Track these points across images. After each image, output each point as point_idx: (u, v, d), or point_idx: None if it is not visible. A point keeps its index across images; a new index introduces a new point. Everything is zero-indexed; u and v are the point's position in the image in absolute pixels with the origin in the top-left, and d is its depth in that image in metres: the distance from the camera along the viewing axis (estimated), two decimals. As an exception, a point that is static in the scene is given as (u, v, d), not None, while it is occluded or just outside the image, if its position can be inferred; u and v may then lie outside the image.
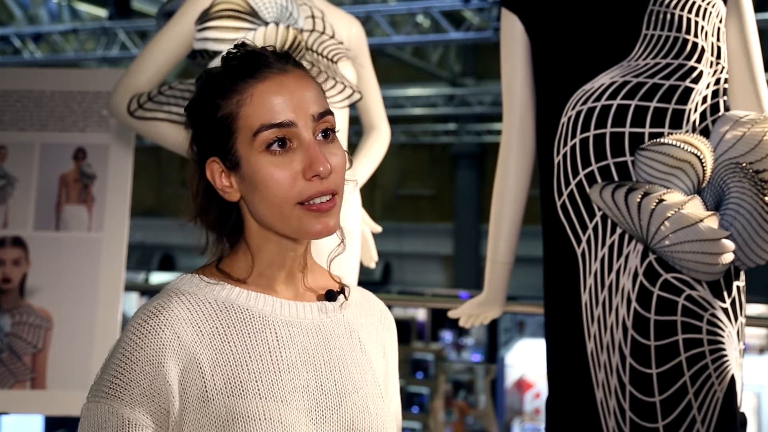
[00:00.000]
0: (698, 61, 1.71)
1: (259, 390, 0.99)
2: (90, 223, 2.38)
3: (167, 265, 13.06)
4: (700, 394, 1.66)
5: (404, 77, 10.68)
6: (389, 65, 9.81)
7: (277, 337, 1.03)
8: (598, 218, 1.71)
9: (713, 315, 1.67)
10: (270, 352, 1.01)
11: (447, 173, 13.01)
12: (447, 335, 8.12)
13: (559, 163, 1.76)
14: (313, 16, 1.94)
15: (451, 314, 2.10)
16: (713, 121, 1.73)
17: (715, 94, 1.75)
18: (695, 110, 1.71)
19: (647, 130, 1.69)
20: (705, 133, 1.72)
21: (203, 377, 0.98)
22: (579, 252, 1.73)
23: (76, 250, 2.36)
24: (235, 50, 1.04)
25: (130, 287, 3.24)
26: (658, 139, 1.67)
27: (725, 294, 1.70)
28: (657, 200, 1.63)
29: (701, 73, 1.71)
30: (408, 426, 6.45)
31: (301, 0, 1.95)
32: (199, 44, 1.84)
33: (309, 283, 1.10)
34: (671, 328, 1.66)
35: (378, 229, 2.29)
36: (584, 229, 1.72)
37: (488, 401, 6.84)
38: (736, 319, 1.72)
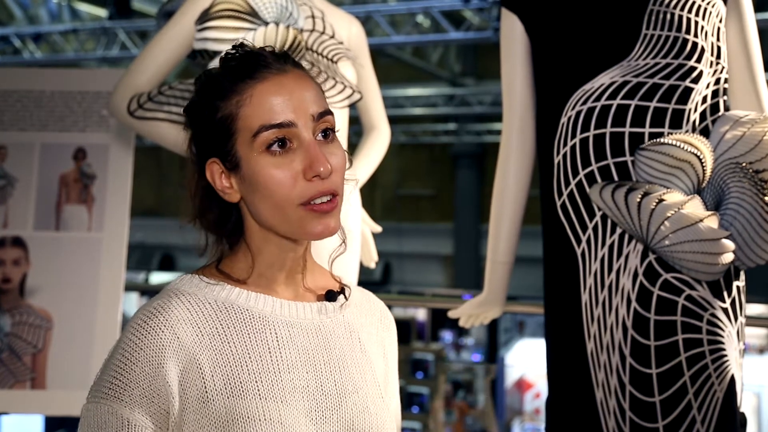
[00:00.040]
0: (698, 61, 1.71)
1: (259, 390, 0.99)
2: (90, 223, 2.38)
3: (167, 265, 13.06)
4: (700, 394, 1.66)
5: (404, 77, 10.68)
6: (389, 65, 9.81)
7: (277, 337, 1.03)
8: (598, 218, 1.71)
9: (713, 315, 1.67)
10: (270, 352, 1.01)
11: (447, 173, 13.01)
12: (447, 335, 8.12)
13: (559, 163, 1.76)
14: (313, 16, 1.94)
15: (451, 314, 2.10)
16: (713, 121, 1.73)
17: (715, 94, 1.75)
18: (695, 110, 1.71)
19: (647, 130, 1.69)
20: (705, 133, 1.72)
21: (203, 378, 0.98)
22: (579, 252, 1.73)
23: (76, 250, 2.36)
24: (233, 51, 1.03)
25: (130, 287, 3.24)
26: (658, 139, 1.67)
27: (725, 294, 1.70)
28: (657, 200, 1.63)
29: (701, 73, 1.71)
30: (408, 426, 6.45)
31: (301, 0, 1.95)
32: (199, 44, 1.84)
33: (309, 284, 1.10)
34: (671, 328, 1.66)
35: (378, 229, 2.29)
36: (584, 229, 1.72)
37: (488, 401, 6.83)
38: (736, 319, 1.72)
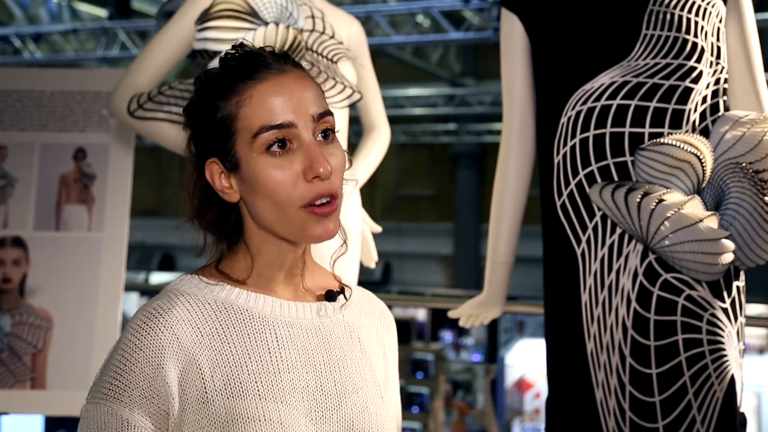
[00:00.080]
0: (698, 61, 1.71)
1: (258, 391, 0.99)
2: (90, 223, 2.38)
3: (167, 265, 13.06)
4: (700, 394, 1.66)
5: (404, 77, 10.68)
6: (389, 65, 9.81)
7: (276, 337, 1.03)
8: (597, 218, 1.71)
9: (713, 315, 1.67)
10: (270, 352, 1.01)
11: (447, 173, 13.01)
12: (447, 335, 8.12)
13: (559, 163, 1.76)
14: (313, 16, 1.94)
15: (451, 314, 2.10)
16: (713, 121, 1.73)
17: (714, 94, 1.75)
18: (695, 110, 1.71)
19: (647, 130, 1.69)
20: (705, 133, 1.72)
21: (203, 378, 0.98)
22: (579, 252, 1.73)
23: (76, 250, 2.36)
24: (233, 51, 1.03)
25: (130, 287, 3.24)
26: (657, 139, 1.67)
27: (725, 294, 1.70)
28: (657, 200, 1.63)
29: (701, 73, 1.71)
30: (408, 426, 6.45)
31: (301, 0, 1.95)
32: (199, 44, 1.84)
33: (309, 284, 1.10)
34: (671, 328, 1.66)
35: (378, 229, 2.29)
36: (584, 229, 1.72)
37: (488, 401, 6.83)
38: (735, 319, 1.72)
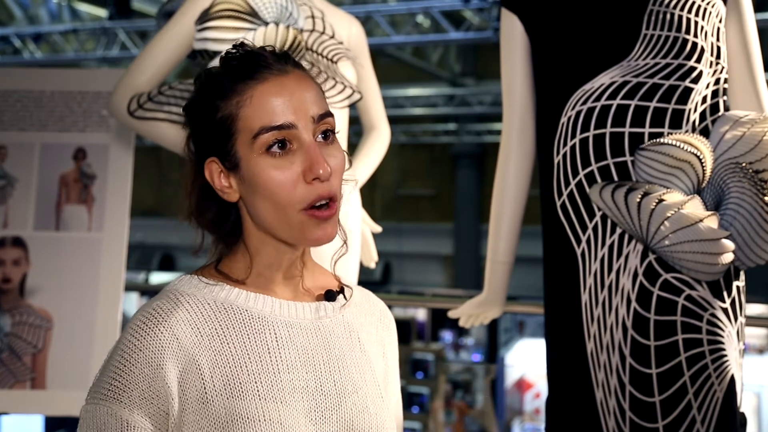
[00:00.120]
0: (698, 61, 1.71)
1: (258, 391, 0.99)
2: (90, 223, 2.38)
3: (167, 265, 13.06)
4: (700, 394, 1.66)
5: (404, 77, 10.68)
6: (389, 65, 9.81)
7: (276, 337, 1.03)
8: (597, 218, 1.71)
9: (713, 315, 1.67)
10: (269, 352, 1.01)
11: (447, 173, 13.01)
12: (447, 335, 8.12)
13: (558, 163, 1.76)
14: (313, 16, 1.94)
15: (451, 314, 2.10)
16: (713, 121, 1.73)
17: (714, 94, 1.75)
18: (695, 110, 1.71)
19: (647, 130, 1.69)
20: (705, 133, 1.72)
21: (202, 378, 0.98)
22: (579, 252, 1.73)
23: (76, 250, 2.36)
24: (234, 50, 1.03)
25: (130, 287, 3.24)
26: (657, 139, 1.67)
27: (725, 294, 1.70)
28: (657, 200, 1.63)
29: (701, 73, 1.71)
30: (408, 426, 6.45)
31: (301, 0, 1.95)
32: (199, 44, 1.84)
33: (309, 284, 1.09)
34: (671, 328, 1.66)
35: (378, 229, 2.29)
36: (584, 229, 1.72)
37: (488, 401, 6.83)
38: (735, 319, 1.72)
